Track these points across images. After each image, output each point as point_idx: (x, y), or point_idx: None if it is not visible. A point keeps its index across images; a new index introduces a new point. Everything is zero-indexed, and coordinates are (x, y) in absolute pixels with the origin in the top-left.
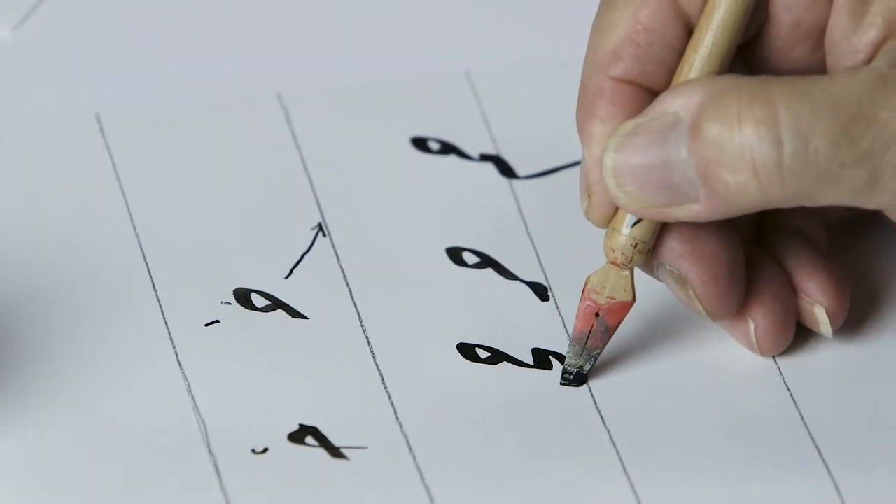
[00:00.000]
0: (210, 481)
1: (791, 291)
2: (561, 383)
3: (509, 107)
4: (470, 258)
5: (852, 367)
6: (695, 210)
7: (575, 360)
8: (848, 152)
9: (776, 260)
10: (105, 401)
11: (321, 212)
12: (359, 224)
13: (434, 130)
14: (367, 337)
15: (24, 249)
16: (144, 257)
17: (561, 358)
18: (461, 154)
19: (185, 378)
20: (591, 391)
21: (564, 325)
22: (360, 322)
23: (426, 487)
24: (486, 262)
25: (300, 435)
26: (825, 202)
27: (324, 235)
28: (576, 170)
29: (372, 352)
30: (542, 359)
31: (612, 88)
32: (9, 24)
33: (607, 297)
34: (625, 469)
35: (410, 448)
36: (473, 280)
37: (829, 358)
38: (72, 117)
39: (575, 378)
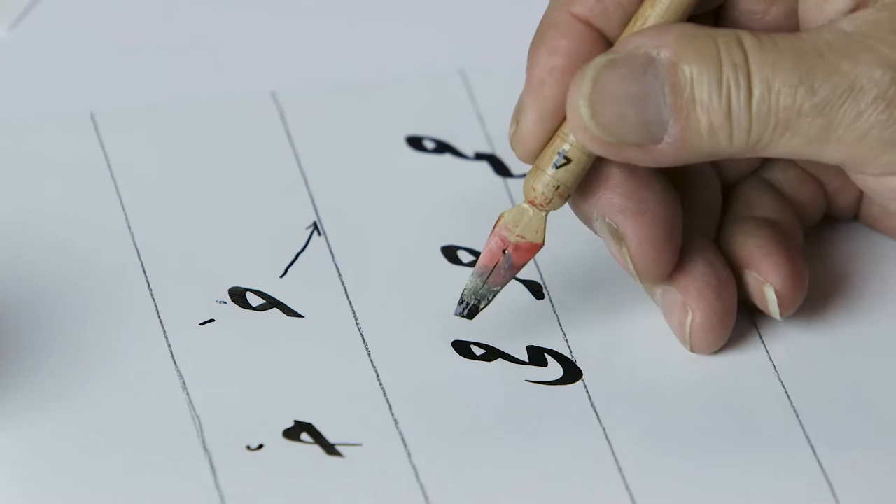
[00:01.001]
0: (205, 478)
1: (735, 293)
2: (454, 314)
3: (504, 105)
4: (465, 257)
5: (846, 362)
6: (661, 150)
7: (473, 292)
8: (806, 100)
9: (731, 243)
10: (100, 399)
11: (316, 210)
12: (354, 223)
13: (429, 129)
14: (362, 335)
15: (19, 248)
16: (139, 256)
17: (556, 355)
18: (456, 153)
19: (181, 376)
20: (586, 388)
21: (559, 323)
22: (356, 320)
23: (421, 486)
24: None
25: (295, 431)
26: (784, 152)
27: (319, 234)
28: None
29: (367, 349)
30: (537, 356)
31: (568, 23)
32: (5, 22)
33: (518, 235)
34: (619, 466)
35: (405, 445)
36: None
37: (823, 350)
38: (67, 116)
39: (468, 312)
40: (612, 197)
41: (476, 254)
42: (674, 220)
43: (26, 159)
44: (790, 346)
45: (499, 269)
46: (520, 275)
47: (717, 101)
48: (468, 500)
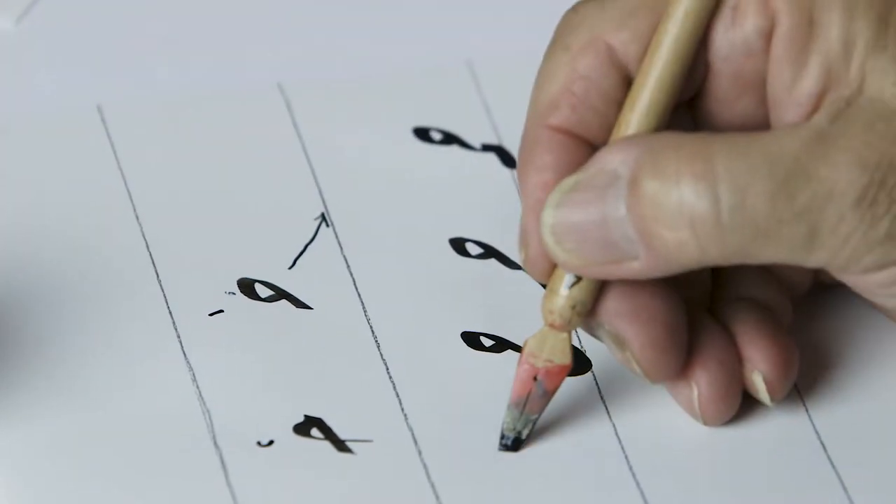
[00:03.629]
0: (216, 475)
1: (737, 360)
2: (499, 449)
3: (511, 97)
4: (473, 249)
5: (888, 428)
6: (634, 267)
7: (513, 424)
8: (786, 208)
9: (726, 327)
10: (110, 391)
11: (324, 202)
12: (362, 214)
13: (436, 121)
14: (371, 327)
15: (28, 242)
16: (148, 247)
17: None
18: (463, 144)
19: (190, 367)
20: (595, 379)
21: None
22: (365, 312)
23: (431, 484)
24: (489, 252)
25: (305, 427)
26: (765, 259)
27: (327, 226)
28: None
29: (376, 341)
30: None
31: (549, 137)
32: (11, 15)
33: (545, 360)
34: (626, 456)
35: (416, 442)
36: (477, 270)
37: (866, 417)
38: (74, 109)
39: (512, 444)
40: (609, 302)
41: (484, 245)
42: (675, 318)
43: (34, 153)
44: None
45: (533, 397)
46: None
47: (678, 217)
48: (479, 499)
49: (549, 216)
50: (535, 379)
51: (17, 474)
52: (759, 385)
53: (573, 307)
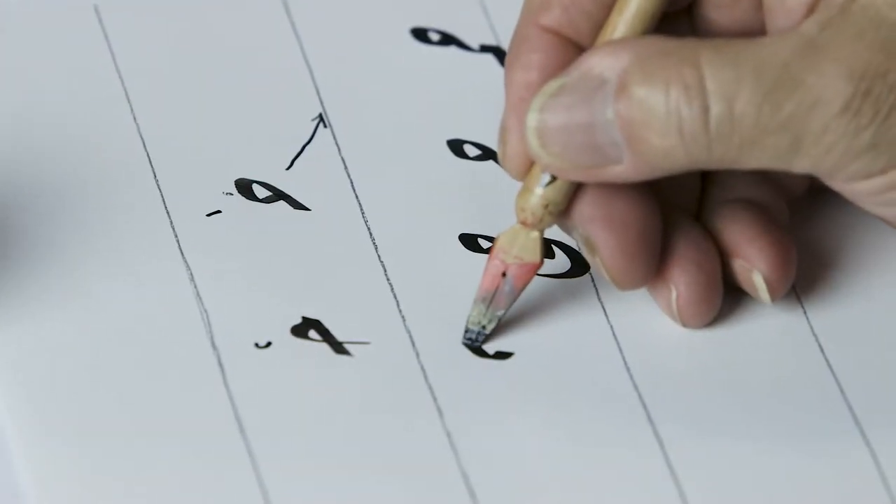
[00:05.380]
0: (214, 375)
1: (717, 263)
2: (462, 342)
3: None
4: (471, 150)
5: (884, 328)
6: (618, 171)
7: (478, 318)
8: (771, 117)
9: (715, 230)
10: (107, 292)
11: (322, 102)
12: (360, 115)
13: (434, 21)
14: (368, 228)
15: (25, 142)
16: (145, 148)
17: (563, 247)
18: (461, 45)
19: (188, 268)
20: (593, 280)
21: None
22: (362, 213)
23: (429, 387)
24: (487, 153)
25: (303, 328)
26: (751, 166)
27: (325, 126)
28: None
29: (374, 243)
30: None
31: (538, 36)
32: None
33: (515, 256)
34: (625, 361)
35: (413, 344)
36: (475, 172)
37: (862, 317)
38: (71, 9)
39: (476, 338)
40: (583, 207)
41: (481, 147)
42: (649, 224)
43: (30, 52)
44: (827, 307)
45: (500, 292)
46: None
47: (666, 124)
48: (476, 399)
49: (533, 119)
50: (503, 275)
51: (16, 375)
52: (758, 284)
53: (546, 206)
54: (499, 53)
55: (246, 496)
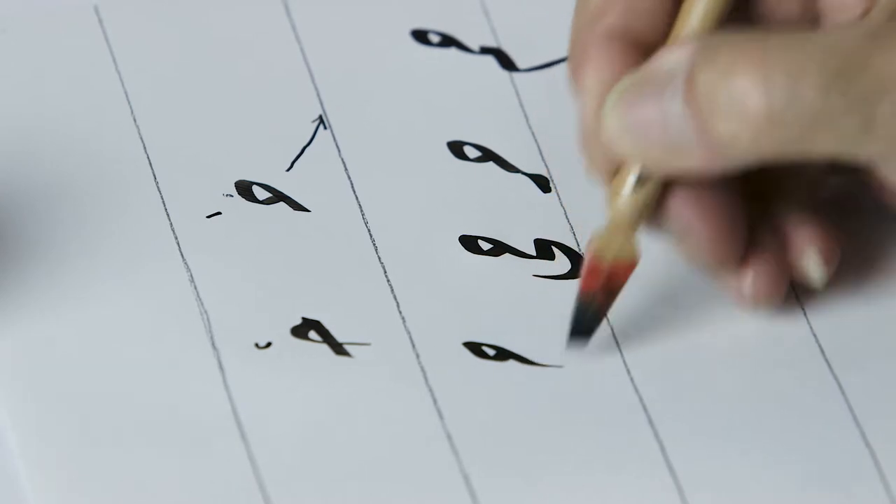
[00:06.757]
0: (214, 376)
1: (784, 247)
2: (566, 347)
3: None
4: (471, 152)
5: (886, 331)
6: (692, 164)
7: (581, 320)
8: (839, 99)
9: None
10: (108, 293)
11: (322, 104)
12: (360, 117)
13: (434, 23)
14: (368, 229)
15: (25, 144)
16: (145, 149)
17: (563, 248)
18: (462, 47)
19: (188, 269)
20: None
21: (566, 216)
22: (362, 215)
23: (430, 388)
24: (487, 155)
25: (303, 329)
26: (818, 153)
27: (325, 128)
28: None
29: (374, 244)
30: (544, 249)
31: (601, 42)
32: None
33: (612, 258)
34: (623, 360)
35: (414, 345)
36: (475, 173)
37: (864, 320)
38: (71, 9)
39: (581, 339)
40: (673, 198)
41: (482, 148)
42: (735, 208)
43: (30, 53)
44: (829, 312)
45: (600, 293)
46: (525, 168)
47: (731, 110)
48: (477, 400)
49: (608, 117)
50: (601, 277)
51: (16, 375)
52: (813, 259)
53: (638, 207)
54: (499, 55)
55: (246, 496)
